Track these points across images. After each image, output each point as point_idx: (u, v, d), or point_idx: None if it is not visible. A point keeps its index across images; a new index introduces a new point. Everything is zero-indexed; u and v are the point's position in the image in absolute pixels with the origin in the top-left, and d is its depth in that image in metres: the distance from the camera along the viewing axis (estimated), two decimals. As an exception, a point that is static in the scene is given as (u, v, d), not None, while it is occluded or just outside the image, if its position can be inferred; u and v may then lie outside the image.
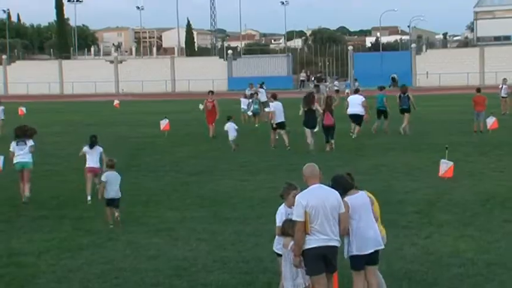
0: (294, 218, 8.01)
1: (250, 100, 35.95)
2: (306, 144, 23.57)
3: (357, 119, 27.57)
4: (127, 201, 15.88)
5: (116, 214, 13.45)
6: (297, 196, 8.07)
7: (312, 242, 7.93)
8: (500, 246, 11.28)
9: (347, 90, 60.58)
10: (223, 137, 26.97)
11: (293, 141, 24.22)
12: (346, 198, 8.19)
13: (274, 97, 25.86)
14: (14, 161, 16.55)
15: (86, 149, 16.14)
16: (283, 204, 8.57)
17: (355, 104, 27.54)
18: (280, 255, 8.57)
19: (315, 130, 24.19)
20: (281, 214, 8.49)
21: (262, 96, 36.65)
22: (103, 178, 13.73)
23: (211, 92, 31.09)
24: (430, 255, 10.83)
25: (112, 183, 13.63)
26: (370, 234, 8.15)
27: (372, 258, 8.27)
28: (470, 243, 11.49)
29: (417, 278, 9.69)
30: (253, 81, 44.52)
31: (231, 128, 24.87)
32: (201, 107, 30.14)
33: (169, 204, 15.43)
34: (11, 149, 16.70)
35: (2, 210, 15.13)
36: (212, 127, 28.69)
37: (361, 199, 8.32)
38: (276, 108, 24.89)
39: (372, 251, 8.18)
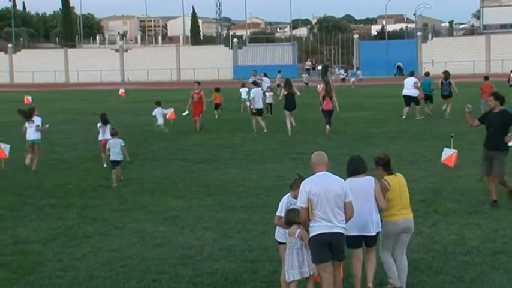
0: (297, 204, 8.06)
1: (249, 89, 33.16)
2: (285, 126, 25.80)
3: (411, 100, 29.49)
4: (133, 189, 15.98)
5: (119, 173, 16.53)
6: (302, 182, 8.10)
7: (316, 229, 7.96)
8: (506, 235, 11.28)
9: (352, 79, 60.48)
10: (223, 126, 27.04)
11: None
12: (347, 180, 8.45)
13: (256, 84, 27.93)
14: (27, 138, 19.69)
15: (99, 124, 19.38)
16: (289, 193, 8.58)
17: (410, 86, 29.51)
18: (281, 243, 8.60)
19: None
20: (283, 203, 8.53)
21: (266, 85, 36.30)
22: (107, 145, 16.88)
23: (198, 82, 29.81)
24: (436, 244, 10.84)
25: (113, 147, 16.52)
26: (358, 218, 8.30)
27: (366, 241, 8.61)
28: (475, 232, 11.50)
29: (422, 267, 9.71)
30: (259, 69, 44.54)
31: (159, 113, 27.03)
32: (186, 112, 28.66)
33: (176, 192, 15.47)
34: (25, 126, 19.95)
35: (8, 199, 15.19)
36: (198, 119, 27.40)
37: (362, 184, 8.53)
38: (255, 94, 26.51)
39: (357, 234, 8.41)
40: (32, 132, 19.56)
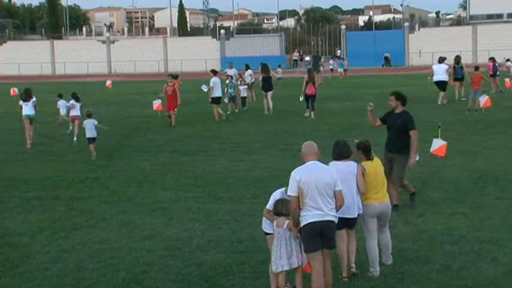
0: (287, 193, 8.07)
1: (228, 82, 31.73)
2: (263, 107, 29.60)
3: (442, 85, 30.85)
4: (121, 181, 15.95)
5: (93, 148, 19.39)
6: (292, 172, 8.11)
7: (308, 217, 7.98)
8: (493, 224, 11.34)
9: (340, 70, 60.48)
10: (210, 117, 27.02)
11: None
12: (331, 163, 8.91)
13: (214, 73, 28.34)
14: (23, 113, 22.37)
15: (72, 102, 23.32)
16: (283, 189, 8.57)
17: (441, 72, 30.77)
18: (268, 234, 8.61)
19: (301, 99, 28.91)
20: (274, 198, 8.52)
21: (247, 78, 35.98)
22: (83, 125, 19.96)
23: (172, 75, 28.67)
24: (423, 233, 10.89)
25: (88, 127, 19.55)
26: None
27: (348, 223, 8.98)
28: (462, 221, 11.56)
29: (410, 256, 9.75)
30: (246, 61, 44.43)
31: (62, 105, 26.79)
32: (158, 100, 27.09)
33: (164, 184, 15.45)
34: (20, 103, 22.65)
35: (-4, 191, 15.12)
36: (173, 113, 26.21)
37: (345, 168, 8.92)
38: (214, 84, 27.61)
39: (340, 216, 8.49)
40: (28, 109, 22.38)
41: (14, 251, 10.59)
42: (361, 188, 9.02)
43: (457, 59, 32.02)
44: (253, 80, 36.52)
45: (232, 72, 34.24)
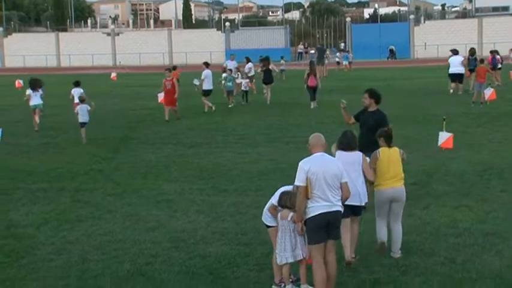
0: (295, 183, 8.04)
1: (225, 74, 31.61)
2: (264, 97, 30.99)
3: (458, 77, 31.69)
4: (126, 173, 15.97)
5: (84, 133, 20.74)
6: (300, 162, 8.12)
7: (316, 209, 7.98)
8: (497, 216, 11.33)
9: (345, 62, 60.33)
10: (218, 110, 27.03)
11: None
12: (337, 152, 9.34)
13: (207, 65, 28.95)
14: (31, 103, 23.92)
15: (73, 90, 25.12)
16: (290, 186, 8.56)
17: (456, 64, 31.43)
18: (269, 227, 8.60)
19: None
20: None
21: (251, 71, 36.16)
22: (76, 110, 21.65)
23: (169, 69, 27.86)
24: (428, 226, 10.89)
25: (82, 112, 21.05)
26: None
27: (354, 210, 9.25)
28: (467, 214, 11.55)
29: (414, 249, 9.75)
30: (251, 53, 44.39)
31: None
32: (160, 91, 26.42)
33: (168, 176, 15.46)
34: (27, 93, 24.13)
35: (0, 183, 15.15)
36: (175, 108, 25.90)
37: (351, 157, 9.28)
38: (206, 76, 28.22)
39: (346, 203, 8.58)
40: (36, 99, 23.96)
41: (19, 242, 10.62)
42: (369, 176, 9.39)
43: (472, 50, 33.28)
44: (253, 73, 36.52)
45: (232, 64, 34.35)
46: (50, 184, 14.86)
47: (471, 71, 31.71)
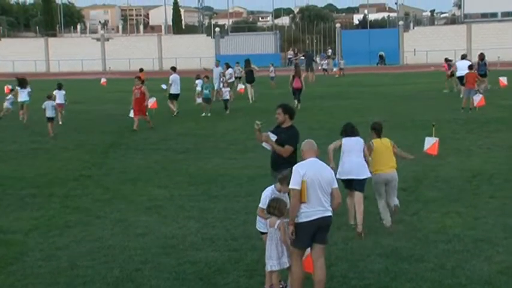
0: (290, 186, 8.06)
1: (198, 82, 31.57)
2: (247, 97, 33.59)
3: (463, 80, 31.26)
4: (115, 179, 15.93)
5: (51, 127, 23.49)
6: (294, 166, 8.15)
7: (310, 214, 8.01)
8: (487, 222, 11.37)
9: (335, 69, 60.39)
10: (213, 115, 27.00)
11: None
12: (343, 139, 11.36)
13: (174, 70, 30.72)
14: (19, 99, 27.26)
15: (56, 91, 27.29)
16: (273, 186, 8.60)
17: (464, 68, 31.07)
18: (263, 233, 8.61)
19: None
20: (266, 196, 8.53)
21: (231, 77, 36.84)
22: (43, 105, 23.90)
23: (138, 77, 27.07)
24: (417, 232, 10.91)
25: (49, 107, 23.70)
26: (347, 166, 11.15)
27: (356, 184, 11.13)
28: (456, 220, 11.58)
29: (404, 254, 9.77)
30: (241, 59, 44.36)
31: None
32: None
33: (158, 182, 15.43)
34: (15, 89, 28.02)
35: (-11, 189, 15.08)
36: (146, 118, 25.12)
37: (355, 142, 11.29)
38: (173, 81, 29.53)
39: (349, 177, 11.08)
40: (23, 96, 27.12)
41: (8, 248, 10.57)
42: (367, 159, 11.28)
43: (481, 56, 34.13)
44: (233, 79, 37.38)
45: (217, 71, 34.84)
46: (39, 190, 14.80)
47: (481, 75, 32.31)
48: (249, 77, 35.91)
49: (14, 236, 11.27)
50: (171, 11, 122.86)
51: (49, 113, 23.68)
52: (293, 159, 10.52)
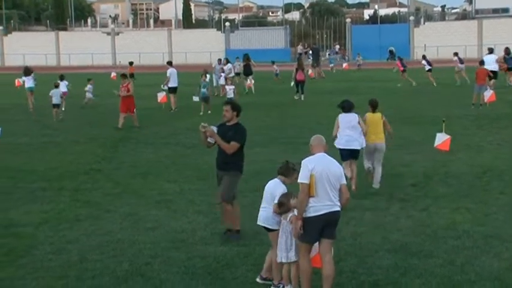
0: (299, 180, 8.05)
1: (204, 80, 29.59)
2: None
3: (492, 73, 32.14)
4: (125, 173, 15.97)
5: (57, 113, 26.63)
6: (303, 161, 8.16)
7: (318, 208, 8.00)
8: (497, 219, 11.34)
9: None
10: (214, 110, 26.99)
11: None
12: (341, 115, 13.63)
13: (170, 64, 31.18)
14: (26, 86, 31.00)
15: (59, 81, 29.65)
16: (276, 179, 8.66)
17: (491, 62, 32.81)
18: (271, 230, 8.59)
19: (292, 84, 34.44)
20: (280, 193, 8.46)
21: (231, 72, 37.20)
22: (50, 93, 26.97)
23: (124, 75, 26.63)
24: (427, 228, 10.89)
25: (55, 95, 26.85)
26: (344, 138, 13.44)
27: (352, 154, 13.57)
28: (466, 216, 11.55)
29: (413, 250, 9.76)
30: (252, 54, 44.47)
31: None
32: (116, 92, 25.35)
33: (168, 176, 15.46)
34: (22, 79, 32.75)
35: (0, 182, 15.15)
36: (134, 115, 24.37)
37: (351, 117, 13.52)
38: (170, 74, 29.73)
39: (347, 148, 13.42)
40: (30, 82, 30.79)
41: (18, 241, 10.62)
42: (364, 129, 13.43)
43: (507, 50, 35.41)
44: (233, 74, 37.73)
45: (218, 67, 36.14)
46: (50, 183, 14.86)
47: (510, 69, 34.21)
48: (247, 70, 38.29)
49: (24, 229, 11.33)
50: (181, 5, 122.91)
51: (55, 100, 26.81)
52: (240, 158, 10.67)
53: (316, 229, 8.03)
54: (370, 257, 9.45)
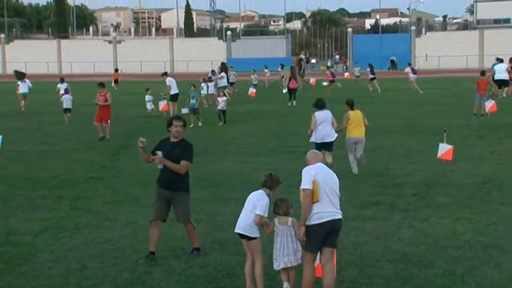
0: (302, 186, 8.07)
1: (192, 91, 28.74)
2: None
3: (503, 82, 35.17)
4: (125, 181, 15.95)
5: (68, 117, 28.44)
6: (304, 168, 8.21)
7: (322, 216, 8.01)
8: (497, 229, 11.31)
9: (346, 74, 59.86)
10: (215, 119, 26.97)
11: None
12: (316, 112, 16.00)
13: (166, 74, 32.32)
14: (20, 91, 34.58)
15: (59, 85, 34.80)
16: (261, 191, 8.73)
17: (501, 71, 34.67)
18: (252, 238, 8.61)
19: (284, 91, 38.62)
20: (265, 204, 8.52)
21: (223, 81, 37.78)
22: (61, 99, 29.44)
23: (102, 83, 25.04)
24: (427, 238, 10.86)
25: (66, 100, 28.83)
26: (322, 132, 15.91)
27: (326, 146, 15.88)
28: (467, 226, 11.52)
29: (414, 260, 9.73)
30: (254, 63, 44.61)
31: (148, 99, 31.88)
32: (93, 101, 24.39)
33: (168, 184, 15.40)
34: (18, 84, 35.25)
35: (0, 189, 15.13)
36: (107, 127, 23.10)
37: (325, 114, 16.03)
38: (171, 82, 30.62)
39: (320, 141, 15.83)
40: (23, 88, 34.54)
41: (18, 249, 10.59)
42: (336, 126, 16.07)
43: None
44: (224, 83, 38.23)
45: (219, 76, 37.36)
46: (50, 191, 14.84)
47: None
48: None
49: (24, 237, 11.30)
50: (183, 14, 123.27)
51: (66, 105, 28.66)
52: (188, 176, 10.17)
53: (319, 237, 8.02)
54: (371, 266, 9.42)
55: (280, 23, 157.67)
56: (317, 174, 8.06)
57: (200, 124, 26.50)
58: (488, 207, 12.86)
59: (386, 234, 11.09)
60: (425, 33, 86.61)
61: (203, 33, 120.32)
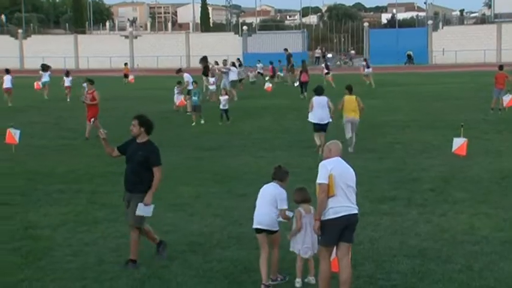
0: (318, 181, 8.07)
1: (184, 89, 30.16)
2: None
3: None
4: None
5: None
6: (321, 162, 8.22)
7: (338, 210, 8.00)
8: (515, 224, 11.25)
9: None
10: (234, 113, 26.97)
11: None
12: (314, 97, 18.52)
13: (180, 70, 32.85)
14: (43, 80, 39.68)
15: (64, 78, 37.41)
16: (273, 183, 8.82)
17: None
18: (274, 232, 8.75)
19: (296, 85, 39.42)
20: (285, 198, 8.70)
21: (233, 75, 36.87)
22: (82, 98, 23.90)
23: (90, 80, 23.59)
24: (445, 233, 10.82)
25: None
26: (318, 116, 18.30)
27: (321, 127, 18.32)
28: (485, 221, 11.47)
29: (431, 255, 9.70)
30: (268, 57, 44.58)
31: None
32: (81, 98, 23.62)
33: (185, 179, 15.47)
34: (40, 73, 40.72)
35: (19, 184, 15.25)
36: (96, 124, 20.77)
37: (321, 99, 18.35)
38: (188, 78, 30.38)
39: (317, 122, 18.29)
40: (47, 77, 39.65)
41: (37, 243, 10.67)
42: (332, 109, 18.34)
43: None
44: (236, 78, 37.98)
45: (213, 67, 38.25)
46: (68, 186, 14.93)
47: None
48: (205, 72, 39.18)
49: (42, 231, 11.38)
50: (199, 8, 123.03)
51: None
52: (151, 178, 9.69)
53: (335, 232, 8.01)
54: (388, 262, 9.41)
55: (296, 17, 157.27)
56: (333, 169, 8.05)
57: (203, 122, 25.94)
58: (506, 202, 12.79)
59: (403, 229, 11.06)
60: (442, 28, 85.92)
61: (219, 28, 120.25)
